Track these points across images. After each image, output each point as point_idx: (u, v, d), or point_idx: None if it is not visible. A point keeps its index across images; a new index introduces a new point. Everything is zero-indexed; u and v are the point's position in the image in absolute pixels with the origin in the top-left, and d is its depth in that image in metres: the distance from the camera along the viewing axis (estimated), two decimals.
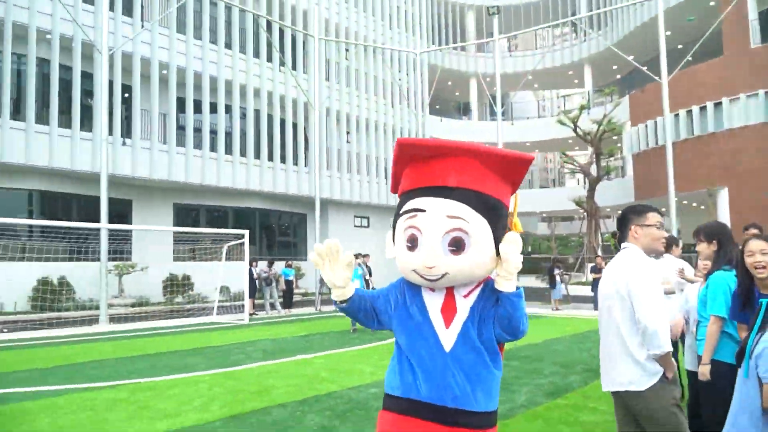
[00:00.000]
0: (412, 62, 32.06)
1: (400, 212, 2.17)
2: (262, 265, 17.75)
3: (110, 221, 16.41)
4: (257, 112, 24.36)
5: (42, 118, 18.08)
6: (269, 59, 24.72)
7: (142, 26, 20.43)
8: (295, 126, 25.99)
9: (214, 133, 22.89)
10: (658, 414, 2.87)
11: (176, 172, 21.12)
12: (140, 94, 20.35)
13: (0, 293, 17.13)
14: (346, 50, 28.27)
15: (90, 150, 18.70)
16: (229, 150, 23.11)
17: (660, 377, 2.85)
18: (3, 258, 16.91)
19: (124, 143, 19.83)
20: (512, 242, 2.04)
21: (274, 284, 17.21)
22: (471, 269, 2.08)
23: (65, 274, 18.32)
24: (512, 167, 2.16)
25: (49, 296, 17.45)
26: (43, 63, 18.41)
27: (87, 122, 19.12)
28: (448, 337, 2.12)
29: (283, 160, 25.19)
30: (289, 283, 17.89)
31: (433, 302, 2.17)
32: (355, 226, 29.09)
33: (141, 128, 20.53)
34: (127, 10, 20.33)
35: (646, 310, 2.81)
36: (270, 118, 24.88)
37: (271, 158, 24.62)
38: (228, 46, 23.35)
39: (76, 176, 19.13)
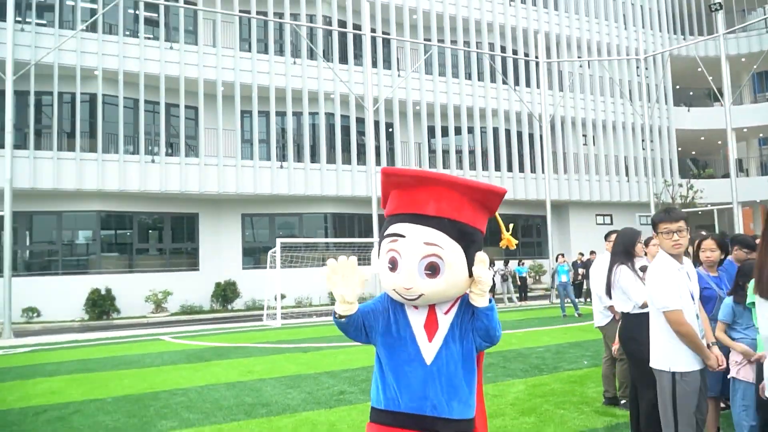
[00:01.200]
0: (651, 59, 32.27)
1: (384, 234, 2.35)
2: (500, 264, 21.08)
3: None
4: (495, 130, 27.76)
5: (330, 158, 23.96)
6: (504, 82, 27.96)
7: (399, 75, 25.39)
8: (531, 137, 28.73)
9: (459, 152, 26.94)
10: (610, 338, 5.66)
11: None
12: (399, 129, 25.31)
13: (310, 292, 23.31)
14: (580, 62, 30.02)
15: (364, 179, 24.10)
16: (473, 166, 26.94)
17: (611, 318, 5.61)
18: (308, 265, 22.87)
19: None
20: (481, 262, 2.24)
21: (509, 280, 20.42)
22: (445, 291, 2.27)
23: None
24: (487, 197, 2.39)
25: None
26: (329, 116, 24.34)
27: (362, 157, 24.65)
28: (429, 351, 2.29)
29: (521, 169, 28.15)
30: (522, 279, 20.95)
31: (417, 318, 2.34)
32: (597, 224, 30.61)
33: (402, 156, 25.47)
34: (387, 63, 25.52)
35: (595, 284, 5.65)
36: (507, 133, 28.08)
37: (510, 168, 27.78)
38: (468, 77, 27.25)
39: (355, 200, 24.72)
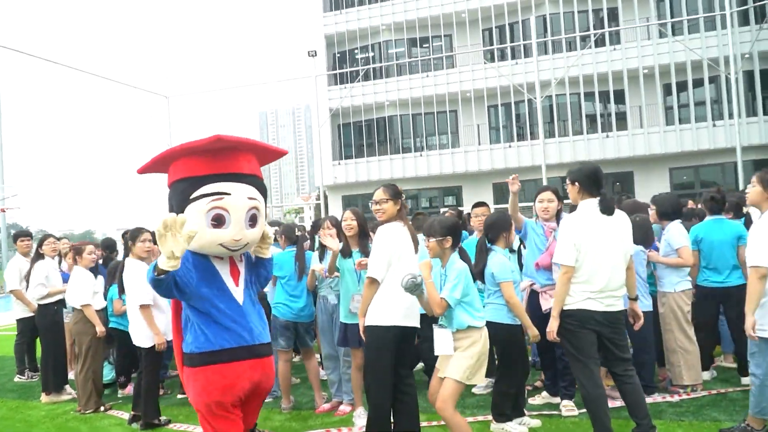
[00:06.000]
0: None
1: (199, 195, 2.66)
2: None
3: None
4: None
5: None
6: None
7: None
8: None
9: None
10: None
11: None
12: None
13: None
14: None
15: None
16: None
17: None
18: None
19: None
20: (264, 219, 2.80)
21: None
22: (257, 237, 2.82)
23: None
24: (270, 157, 3.02)
25: None
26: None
27: None
28: (238, 293, 2.77)
29: None
30: None
31: (223, 269, 2.77)
32: None
33: None
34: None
35: None
36: None
37: None
38: None
39: None
